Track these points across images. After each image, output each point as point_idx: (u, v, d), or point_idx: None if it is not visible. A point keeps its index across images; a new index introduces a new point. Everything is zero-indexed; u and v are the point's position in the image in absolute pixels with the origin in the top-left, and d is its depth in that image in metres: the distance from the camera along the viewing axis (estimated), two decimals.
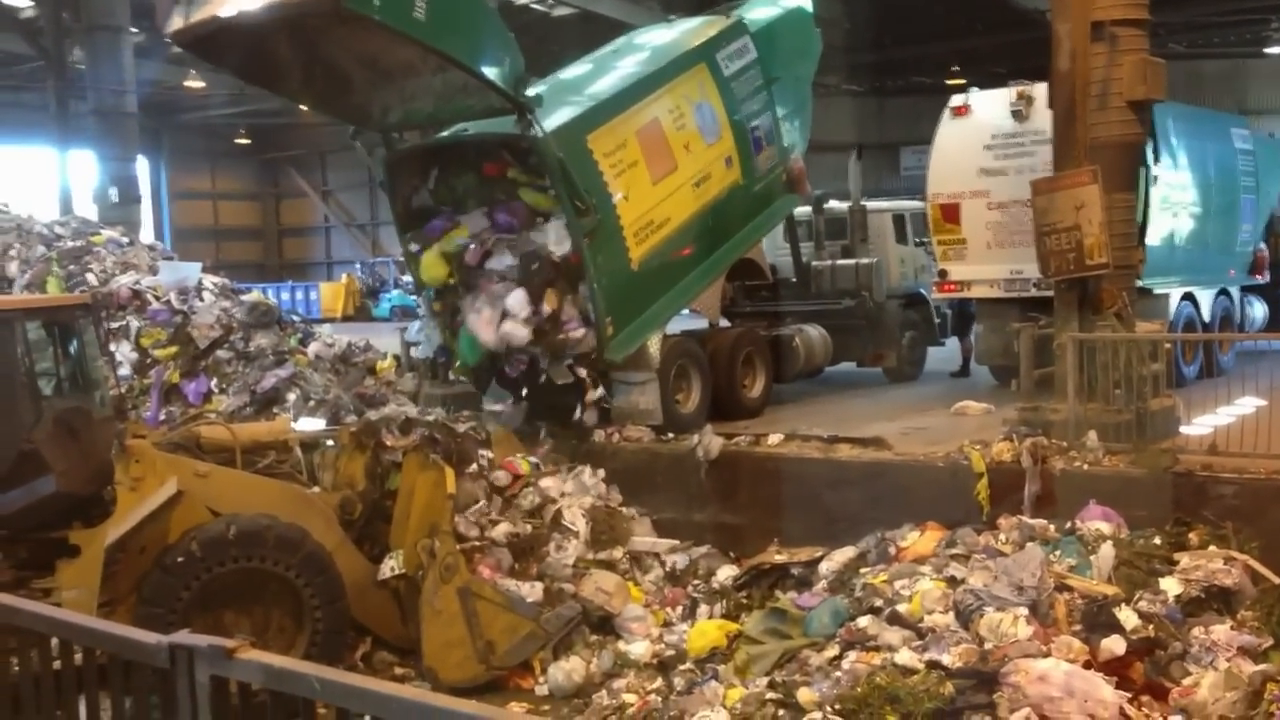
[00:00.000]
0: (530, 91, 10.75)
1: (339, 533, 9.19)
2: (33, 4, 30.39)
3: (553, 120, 11.16)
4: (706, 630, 8.83)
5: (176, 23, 9.51)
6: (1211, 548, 8.08)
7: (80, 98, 25.85)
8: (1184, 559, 7.94)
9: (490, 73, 10.11)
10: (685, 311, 14.50)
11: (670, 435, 12.03)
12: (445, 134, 12.15)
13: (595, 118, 11.78)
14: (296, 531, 8.55)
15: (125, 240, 17.04)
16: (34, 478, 8.61)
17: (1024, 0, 30.41)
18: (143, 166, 28.45)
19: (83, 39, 25.00)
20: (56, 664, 4.08)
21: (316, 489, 9.60)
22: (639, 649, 8.98)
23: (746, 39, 13.73)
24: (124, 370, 13.61)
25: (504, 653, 8.76)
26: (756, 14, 14.38)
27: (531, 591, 9.30)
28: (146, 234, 24.27)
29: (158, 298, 14.56)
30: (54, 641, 4.08)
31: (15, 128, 37.01)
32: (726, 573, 10.26)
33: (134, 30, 25.08)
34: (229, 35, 9.59)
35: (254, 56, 10.18)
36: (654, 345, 12.23)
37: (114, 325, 14.11)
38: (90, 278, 15.17)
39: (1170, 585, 7.61)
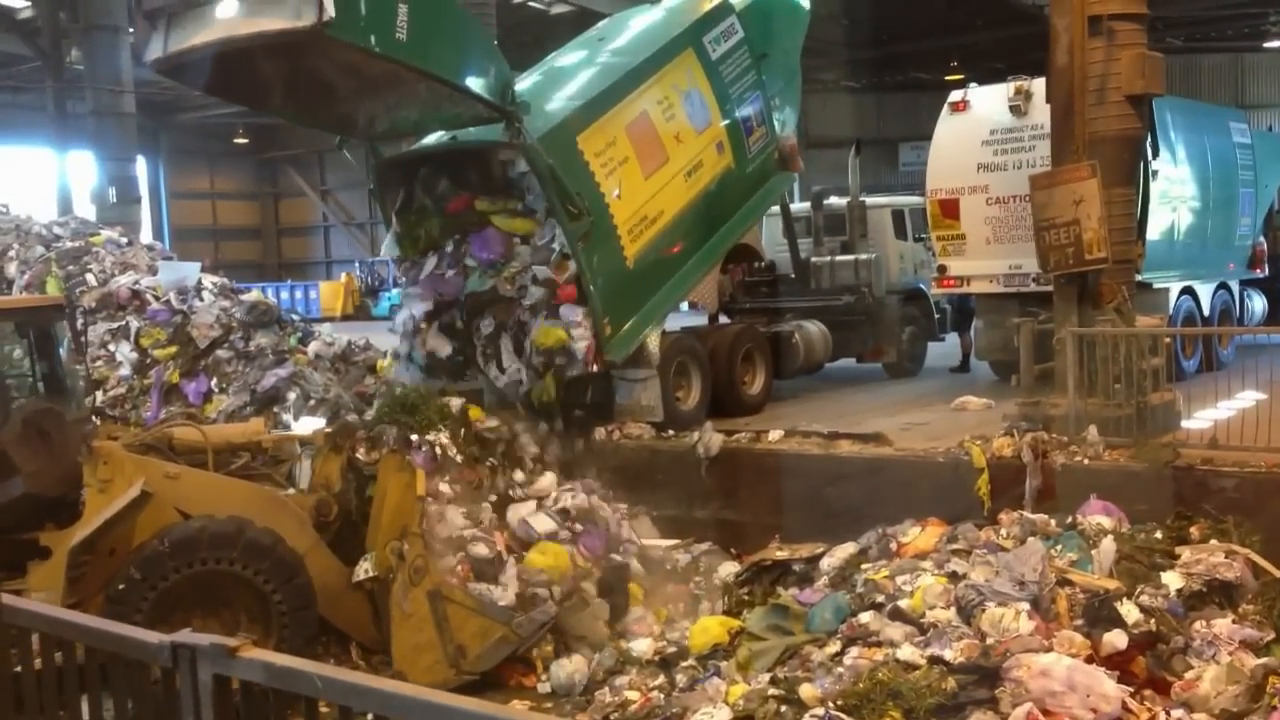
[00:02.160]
0: (518, 84, 10.69)
1: (312, 535, 9.12)
2: (30, 4, 30.43)
3: (541, 124, 11.05)
4: (708, 627, 8.81)
5: (155, 51, 9.43)
6: (1213, 541, 8.07)
7: (78, 98, 25.87)
8: (1185, 553, 7.92)
9: (476, 85, 10.03)
10: (685, 308, 14.46)
11: (670, 432, 12.02)
12: (433, 141, 12.09)
13: (584, 118, 11.66)
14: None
15: (124, 240, 17.03)
16: (2, 479, 8.60)
17: None
18: (141, 167, 28.46)
19: (80, 39, 25.01)
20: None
21: (292, 490, 9.59)
22: (641, 646, 8.97)
23: (733, 18, 13.53)
24: (124, 370, 13.63)
25: (475, 657, 8.64)
26: None
27: (504, 595, 9.13)
28: (145, 234, 24.29)
29: (157, 298, 14.55)
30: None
31: (13, 128, 37.01)
32: (728, 569, 10.27)
33: (132, 30, 25.05)
34: (210, 60, 9.53)
35: (236, 77, 10.11)
36: (653, 342, 12.20)
37: (114, 325, 14.13)
38: (89, 278, 15.16)
39: (1171, 579, 7.60)
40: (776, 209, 16.54)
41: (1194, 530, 8.32)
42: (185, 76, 10.47)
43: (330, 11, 8.33)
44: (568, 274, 11.36)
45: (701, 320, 16.00)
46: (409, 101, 10.76)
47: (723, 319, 15.70)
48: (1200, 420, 10.59)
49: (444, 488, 9.74)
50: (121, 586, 8.06)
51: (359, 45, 9.02)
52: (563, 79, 12.73)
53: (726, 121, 13.36)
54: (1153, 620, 7.12)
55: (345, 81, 10.28)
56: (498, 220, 11.69)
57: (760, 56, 13.82)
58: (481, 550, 9.25)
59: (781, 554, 9.75)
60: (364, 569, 9.14)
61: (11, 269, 15.72)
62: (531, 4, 32.34)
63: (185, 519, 8.52)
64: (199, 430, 9.69)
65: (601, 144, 11.66)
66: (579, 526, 10.31)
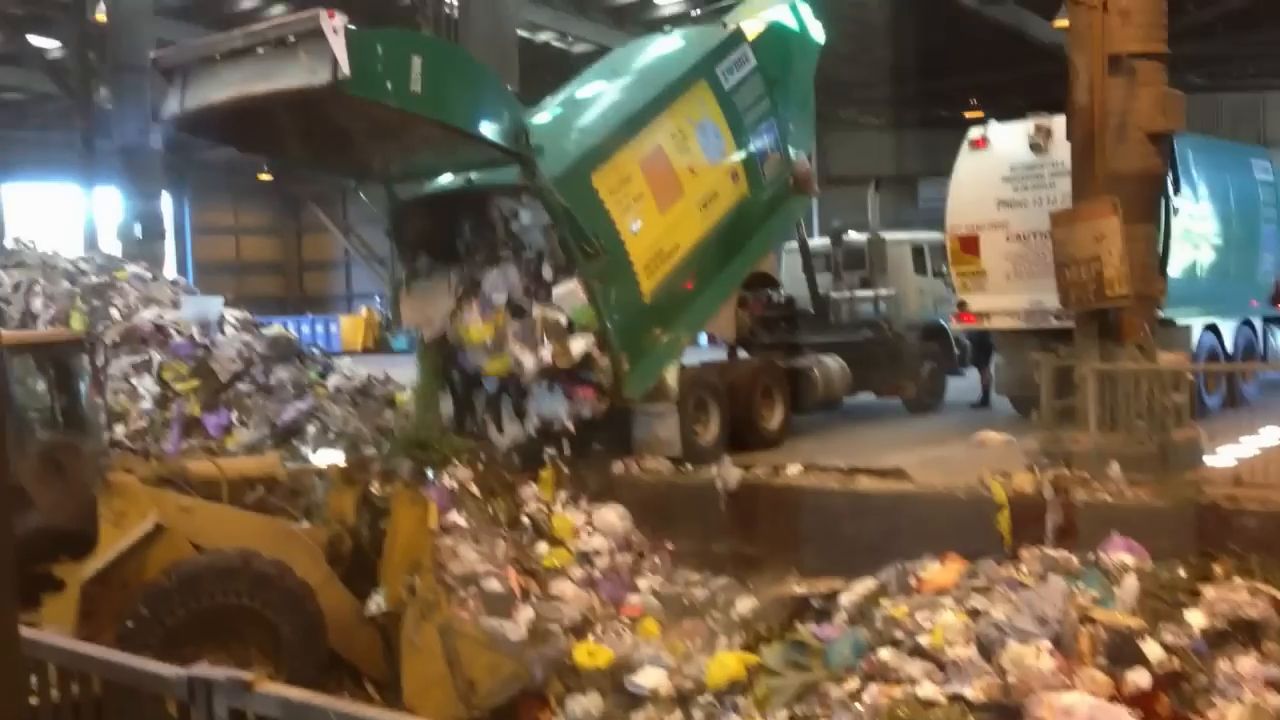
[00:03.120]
0: (533, 117, 10.63)
1: (325, 568, 9.13)
2: (60, 45, 30.89)
3: (555, 165, 10.95)
4: (726, 662, 8.74)
5: (173, 108, 9.49)
6: (1236, 580, 7.99)
7: (106, 136, 26.18)
8: (1209, 591, 7.84)
9: (490, 131, 10.00)
10: (703, 342, 14.39)
11: (688, 467, 11.99)
12: (448, 183, 12.06)
13: (598, 155, 11.59)
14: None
15: (148, 275, 17.21)
16: (18, 512, 8.64)
17: (1041, 34, 30.55)
18: (166, 202, 28.71)
19: (108, 79, 25.34)
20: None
21: (306, 524, 9.60)
22: (652, 680, 8.88)
23: (745, 47, 13.45)
24: (145, 404, 13.71)
25: (485, 693, 8.52)
26: (754, 20, 14.09)
27: (515, 630, 9.01)
28: (169, 269, 24.53)
29: (180, 332, 14.68)
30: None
31: (42, 166, 37.51)
32: (745, 604, 10.21)
33: None
34: (226, 115, 9.58)
35: (252, 128, 10.16)
36: (671, 376, 12.17)
37: (136, 359, 14.24)
38: (113, 313, 15.31)
39: (1195, 618, 7.52)
40: (795, 244, 16.59)
41: (1218, 568, 8.23)
42: (202, 131, 10.56)
43: (345, 70, 8.35)
44: (568, 356, 11.11)
45: (720, 355, 15.99)
46: (424, 146, 10.77)
47: (741, 354, 15.69)
48: (1223, 457, 10.51)
49: (459, 519, 9.73)
50: (130, 624, 8.06)
51: (374, 100, 9.07)
52: (576, 115, 12.70)
53: (741, 150, 13.29)
54: (1176, 659, 7.05)
55: (360, 127, 10.32)
56: (467, 335, 11.61)
57: (773, 83, 13.73)
58: (494, 586, 9.22)
59: (800, 589, 9.69)
60: (376, 603, 9.12)
61: (37, 303, 15.88)
62: (553, 43, 32.67)
63: (199, 552, 8.55)
64: (214, 463, 9.74)
65: (616, 181, 11.59)
66: (598, 573, 10.25)
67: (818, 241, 18.27)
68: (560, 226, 10.88)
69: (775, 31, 14.21)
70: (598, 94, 13.25)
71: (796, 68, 14.67)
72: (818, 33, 15.16)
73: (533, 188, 10.70)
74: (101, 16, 24.75)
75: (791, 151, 14.21)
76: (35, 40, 30.72)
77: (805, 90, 15.00)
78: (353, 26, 8.63)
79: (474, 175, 11.72)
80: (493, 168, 11.24)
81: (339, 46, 8.33)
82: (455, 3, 22.89)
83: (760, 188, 13.57)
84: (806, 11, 14.99)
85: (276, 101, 9.25)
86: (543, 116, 12.66)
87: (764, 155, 13.64)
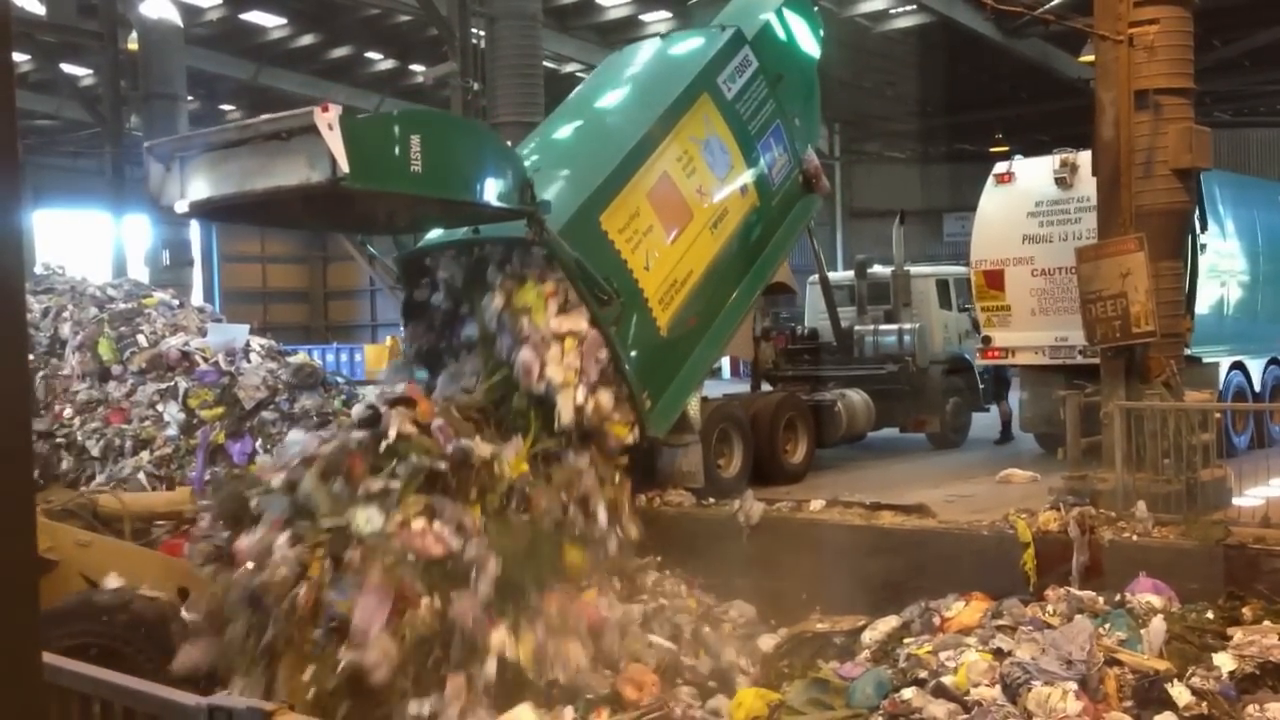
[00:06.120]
0: (532, 143, 10.25)
1: None
2: (91, 73, 31.33)
3: (561, 212, 10.46)
4: (746, 700, 8.69)
5: (172, 196, 9.42)
6: (1266, 623, 7.90)
7: (136, 163, 26.43)
8: (1238, 634, 7.75)
9: (494, 194, 9.66)
10: (726, 374, 14.24)
11: (711, 500, 11.96)
12: (455, 234, 11.63)
13: (604, 195, 11.11)
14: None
15: (176, 303, 17.31)
16: None
17: (1067, 69, 30.63)
18: (194, 230, 28.97)
19: (139, 106, 25.64)
20: None
21: None
22: None
23: (746, 49, 12.78)
24: (171, 430, 13.79)
25: None
26: (753, 17, 13.43)
27: None
28: (197, 296, 24.69)
29: (206, 359, 14.76)
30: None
31: (72, 192, 37.89)
32: (767, 641, 10.14)
33: (190, 99, 25.70)
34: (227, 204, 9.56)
35: (253, 209, 10.09)
36: (694, 407, 12.10)
37: (162, 386, 14.33)
38: (141, 339, 15.40)
39: (1224, 661, 7.43)
40: (817, 277, 16.57)
41: (1246, 611, 8.16)
42: (204, 217, 10.56)
43: (344, 167, 8.22)
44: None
45: (743, 388, 15.96)
46: (429, 205, 10.61)
47: (765, 386, 15.66)
48: (1252, 498, 10.39)
49: None
50: None
51: (374, 189, 9.00)
52: (577, 147, 12.24)
53: (748, 160, 12.68)
54: (1204, 703, 6.95)
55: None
56: None
57: (776, 80, 13.08)
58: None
59: (822, 626, 9.63)
60: None
61: (65, 329, 16.00)
62: (579, 75, 32.91)
63: (93, 587, 8.42)
64: (118, 498, 9.76)
65: (624, 219, 11.19)
66: None
67: (841, 274, 18.26)
68: (571, 279, 10.41)
69: (777, 23, 13.60)
70: (597, 117, 12.78)
71: (800, 59, 13.97)
72: (819, 22, 14.49)
73: (540, 241, 10.38)
74: (133, 45, 25.05)
75: (799, 150, 13.57)
76: (67, 68, 31.20)
77: (809, 81, 14.23)
78: (354, 113, 8.48)
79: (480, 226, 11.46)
80: (498, 220, 11.03)
81: (335, 142, 8.16)
82: (482, 35, 23.13)
83: (770, 194, 13.01)
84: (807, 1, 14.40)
85: (277, 194, 9.23)
86: (555, 135, 12.38)
87: (772, 160, 13.04)
